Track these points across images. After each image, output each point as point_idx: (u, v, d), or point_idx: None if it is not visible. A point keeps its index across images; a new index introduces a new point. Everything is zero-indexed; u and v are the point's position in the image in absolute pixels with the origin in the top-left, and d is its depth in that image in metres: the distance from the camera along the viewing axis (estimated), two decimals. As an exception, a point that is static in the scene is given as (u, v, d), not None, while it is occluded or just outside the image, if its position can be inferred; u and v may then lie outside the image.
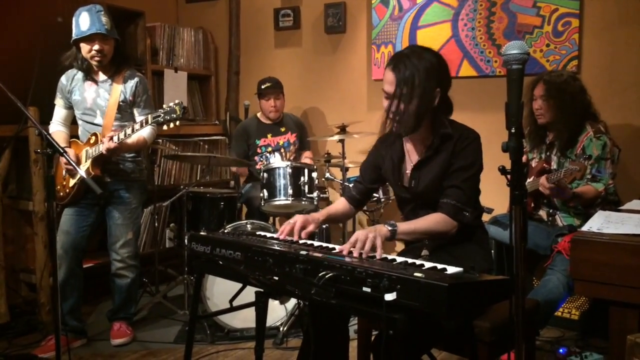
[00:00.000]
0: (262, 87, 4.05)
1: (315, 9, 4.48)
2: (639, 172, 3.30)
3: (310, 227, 2.08)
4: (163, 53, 4.48)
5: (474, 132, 2.08)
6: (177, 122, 2.84)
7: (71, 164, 2.44)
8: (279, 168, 3.45)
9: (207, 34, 4.84)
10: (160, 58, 4.46)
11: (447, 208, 2.01)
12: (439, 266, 1.62)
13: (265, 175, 3.46)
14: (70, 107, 3.16)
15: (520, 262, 1.44)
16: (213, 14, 4.97)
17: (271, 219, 3.98)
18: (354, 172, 3.99)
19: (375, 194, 3.55)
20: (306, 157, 4.18)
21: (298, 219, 2.08)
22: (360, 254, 1.78)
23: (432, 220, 2.01)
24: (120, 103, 3.07)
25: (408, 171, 2.15)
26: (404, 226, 1.97)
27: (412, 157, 2.16)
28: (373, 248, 1.83)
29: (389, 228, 1.92)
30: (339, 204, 2.34)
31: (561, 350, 2.82)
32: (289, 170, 3.42)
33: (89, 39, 2.94)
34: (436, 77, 1.99)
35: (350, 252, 1.80)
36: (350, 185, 2.47)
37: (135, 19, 4.19)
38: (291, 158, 4.04)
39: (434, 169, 2.07)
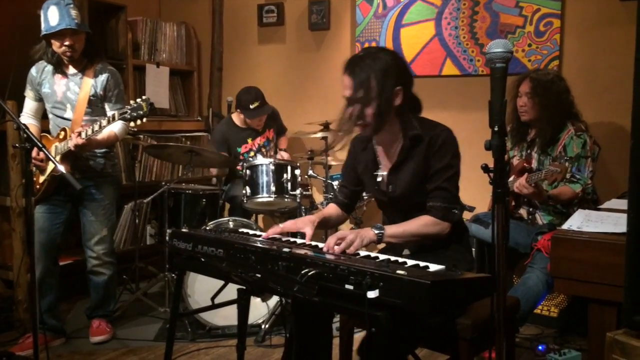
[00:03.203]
0: (251, 107, 3.79)
1: (299, 5, 4.47)
2: (618, 171, 3.35)
3: (309, 231, 2.04)
4: (145, 48, 4.43)
5: (444, 129, 2.04)
6: (144, 119, 2.76)
7: (50, 159, 2.39)
8: (261, 165, 3.43)
9: (189, 29, 4.80)
10: (142, 53, 4.41)
11: (436, 211, 2.00)
12: (422, 264, 1.63)
13: (248, 172, 3.44)
14: (40, 99, 3.09)
15: (501, 260, 1.45)
16: (196, 8, 4.93)
17: (254, 216, 3.97)
18: (337, 170, 4.00)
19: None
20: (283, 143, 4.13)
21: (287, 225, 2.06)
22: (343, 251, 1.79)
23: (422, 223, 2.00)
24: (91, 97, 3.01)
25: (384, 175, 2.14)
26: (392, 229, 1.97)
27: (384, 161, 2.15)
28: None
29: (376, 232, 1.92)
30: (331, 208, 2.31)
31: (540, 347, 2.85)
32: (271, 167, 3.41)
33: (59, 34, 2.86)
34: (394, 76, 1.96)
35: (334, 250, 1.81)
36: (337, 190, 2.46)
37: (116, 12, 4.13)
38: (272, 153, 4.01)
39: (409, 173, 2.05)
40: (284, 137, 4.20)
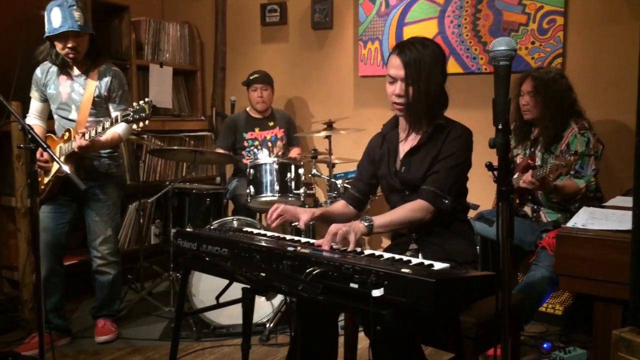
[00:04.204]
0: (250, 77, 4.07)
1: (302, 4, 4.47)
2: (622, 169, 3.34)
3: (304, 217, 2.06)
4: (148, 48, 4.44)
5: (466, 128, 2.12)
6: (147, 122, 2.76)
7: (54, 159, 2.40)
8: (265, 164, 3.44)
9: (192, 28, 4.80)
10: (146, 53, 4.42)
11: (426, 194, 2.03)
12: (426, 262, 1.63)
13: (252, 171, 3.45)
14: (45, 100, 3.10)
15: (506, 258, 1.44)
16: (199, 8, 4.94)
17: (257, 215, 3.97)
18: (340, 169, 4.00)
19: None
20: (294, 153, 4.17)
21: (287, 208, 2.08)
22: (331, 246, 1.82)
23: (408, 209, 2.02)
24: (95, 98, 3.02)
25: (399, 159, 2.17)
26: (380, 219, 1.98)
27: (405, 145, 2.18)
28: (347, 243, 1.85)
29: (365, 224, 1.93)
30: (338, 204, 2.32)
31: (545, 345, 2.84)
32: (275, 166, 3.41)
33: (61, 36, 2.86)
34: (439, 64, 2.06)
35: (330, 247, 1.83)
36: (349, 187, 2.46)
37: (120, 13, 4.14)
38: (279, 153, 4.03)
39: (424, 158, 2.09)
40: (296, 148, 4.22)
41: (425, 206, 2.01)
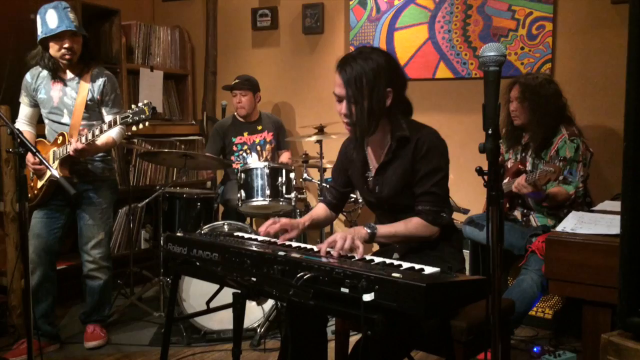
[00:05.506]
0: (232, 82, 4.08)
1: (293, 9, 4.48)
2: (610, 173, 3.37)
3: (293, 233, 2.08)
4: (139, 52, 4.43)
5: (431, 131, 2.04)
6: (147, 123, 2.76)
7: (44, 164, 2.38)
8: (256, 168, 3.43)
9: (183, 32, 4.79)
10: (136, 57, 4.40)
11: (425, 215, 1.99)
12: (417, 266, 1.63)
13: (243, 175, 3.44)
14: (35, 105, 3.08)
15: (496, 262, 1.45)
16: (190, 12, 4.93)
17: (248, 219, 3.96)
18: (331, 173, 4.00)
19: (352, 195, 3.56)
20: (284, 157, 4.17)
21: (283, 221, 2.08)
22: (339, 254, 1.79)
23: (412, 225, 1.99)
24: (88, 102, 3.00)
25: (371, 176, 2.14)
26: (383, 229, 1.97)
27: (373, 161, 2.15)
28: (351, 249, 1.84)
29: (368, 230, 1.92)
30: (320, 209, 2.32)
31: (535, 349, 2.86)
32: (266, 170, 3.41)
33: (58, 37, 2.85)
34: (385, 77, 1.95)
35: (328, 253, 1.81)
36: (325, 190, 2.48)
37: (110, 17, 4.13)
38: (268, 157, 4.03)
39: (395, 174, 2.04)
40: (285, 152, 4.22)
41: (428, 226, 1.98)
